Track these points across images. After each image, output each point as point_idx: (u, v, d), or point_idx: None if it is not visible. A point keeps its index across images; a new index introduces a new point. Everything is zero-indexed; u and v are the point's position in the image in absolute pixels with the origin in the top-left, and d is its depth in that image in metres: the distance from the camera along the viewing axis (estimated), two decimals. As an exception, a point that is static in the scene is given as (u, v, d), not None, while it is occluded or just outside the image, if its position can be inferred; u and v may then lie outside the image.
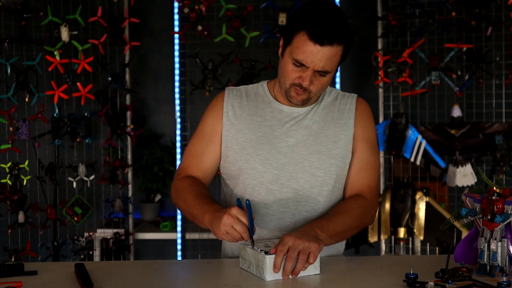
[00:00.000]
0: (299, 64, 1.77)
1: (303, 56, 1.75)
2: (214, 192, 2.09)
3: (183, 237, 3.83)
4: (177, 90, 3.79)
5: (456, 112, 3.61)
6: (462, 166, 3.58)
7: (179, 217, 3.80)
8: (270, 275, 1.58)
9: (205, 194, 1.85)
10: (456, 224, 3.03)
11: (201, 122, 1.97)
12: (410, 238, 3.58)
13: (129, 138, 3.75)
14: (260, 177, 1.87)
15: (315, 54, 1.74)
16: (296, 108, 1.91)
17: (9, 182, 3.42)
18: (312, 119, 1.91)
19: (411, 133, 3.56)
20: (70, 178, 3.67)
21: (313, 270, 1.63)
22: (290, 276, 1.60)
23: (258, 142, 1.89)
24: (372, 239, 3.50)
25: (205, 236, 3.79)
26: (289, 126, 1.90)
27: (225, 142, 1.92)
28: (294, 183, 1.86)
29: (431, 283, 1.44)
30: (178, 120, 3.78)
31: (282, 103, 1.92)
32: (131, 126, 3.73)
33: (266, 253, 1.60)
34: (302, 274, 1.61)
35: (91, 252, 3.70)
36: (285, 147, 1.88)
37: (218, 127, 1.93)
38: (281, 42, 1.83)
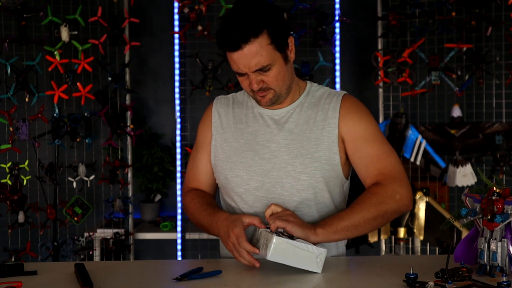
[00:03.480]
0: (241, 74, 1.80)
1: (236, 67, 1.78)
2: (215, 200, 2.10)
3: (183, 237, 3.83)
4: (177, 90, 3.79)
5: (456, 112, 3.61)
6: (462, 166, 3.58)
7: (179, 217, 3.80)
8: (273, 256, 1.61)
9: (207, 204, 1.90)
10: (456, 224, 3.03)
11: (196, 135, 2.03)
12: (410, 238, 3.58)
13: (129, 138, 3.75)
14: (245, 185, 1.88)
15: (242, 59, 1.75)
16: (277, 111, 1.90)
17: (9, 182, 3.42)
18: (295, 121, 1.88)
19: (411, 133, 3.56)
20: (70, 178, 3.67)
21: (315, 267, 1.63)
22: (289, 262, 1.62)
23: (241, 149, 1.90)
24: (372, 239, 3.50)
25: (205, 236, 3.79)
26: (271, 131, 1.88)
27: (213, 152, 1.95)
28: (279, 189, 1.85)
29: (431, 283, 1.44)
30: (178, 120, 3.78)
31: (264, 107, 1.92)
32: (131, 126, 3.73)
33: (278, 234, 1.63)
34: (303, 266, 1.62)
35: (91, 252, 3.70)
36: (267, 153, 1.87)
37: (208, 138, 1.97)
38: None
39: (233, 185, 1.90)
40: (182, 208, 3.81)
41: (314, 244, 1.68)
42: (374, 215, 1.76)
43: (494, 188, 1.60)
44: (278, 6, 1.84)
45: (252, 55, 1.74)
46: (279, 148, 1.86)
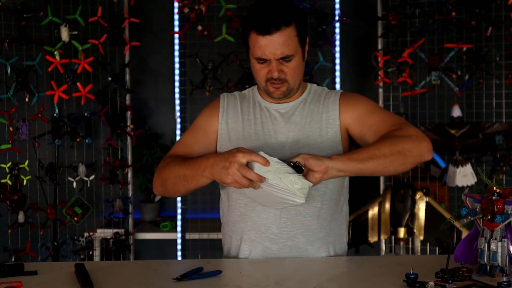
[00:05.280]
0: (262, 60, 1.84)
1: (260, 52, 1.82)
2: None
3: (183, 237, 3.83)
4: (177, 90, 3.79)
5: (456, 112, 3.61)
6: (462, 166, 3.58)
7: (179, 217, 3.80)
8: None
9: (191, 158, 1.86)
10: (456, 224, 3.03)
11: (196, 119, 2.04)
12: (410, 238, 3.58)
13: (129, 138, 3.75)
14: None
15: (269, 45, 1.81)
16: (283, 105, 1.97)
17: (9, 182, 3.42)
18: (300, 115, 1.95)
19: (411, 133, 3.55)
20: (70, 178, 3.67)
21: (299, 197, 1.64)
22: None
23: (250, 139, 1.95)
24: (372, 239, 3.49)
25: (205, 236, 3.79)
26: (278, 123, 1.95)
27: (219, 141, 1.98)
28: None
29: (431, 283, 1.44)
30: (178, 120, 3.78)
31: (269, 101, 1.98)
32: (131, 126, 3.73)
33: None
34: (286, 196, 1.65)
35: (91, 252, 3.70)
36: (275, 143, 1.93)
37: (214, 125, 1.99)
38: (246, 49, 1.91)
39: None
40: (181, 208, 3.81)
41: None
42: (391, 150, 1.73)
43: (494, 188, 1.60)
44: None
45: (280, 42, 1.80)
46: (286, 139, 1.93)
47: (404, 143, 1.75)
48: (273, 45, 1.80)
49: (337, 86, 3.78)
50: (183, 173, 1.82)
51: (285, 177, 1.64)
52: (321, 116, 1.94)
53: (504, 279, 1.45)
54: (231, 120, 1.99)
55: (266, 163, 1.63)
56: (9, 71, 3.43)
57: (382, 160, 1.72)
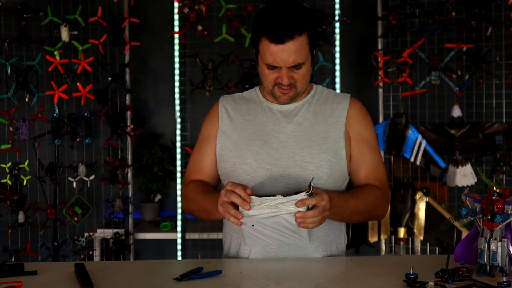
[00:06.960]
0: (272, 67, 1.84)
1: (271, 59, 1.82)
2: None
3: (183, 237, 3.83)
4: (177, 90, 3.79)
5: (456, 112, 3.61)
6: (462, 166, 3.58)
7: (179, 217, 3.80)
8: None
9: (212, 190, 1.95)
10: (456, 224, 3.03)
11: (200, 131, 2.06)
12: (410, 238, 3.58)
13: (129, 138, 3.75)
14: (253, 172, 1.90)
15: (281, 53, 1.80)
16: (287, 106, 1.96)
17: (9, 182, 3.42)
18: (303, 115, 1.94)
19: (411, 133, 3.56)
20: (70, 178, 3.67)
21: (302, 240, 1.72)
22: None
23: (250, 138, 1.94)
24: (372, 239, 3.49)
25: (205, 236, 3.79)
26: (280, 123, 1.94)
27: (219, 142, 1.98)
28: (286, 178, 1.89)
29: (431, 283, 1.44)
30: (178, 120, 3.78)
31: (272, 102, 1.98)
32: (131, 126, 3.73)
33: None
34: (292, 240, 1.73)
35: (91, 252, 3.70)
36: (276, 142, 1.92)
37: (214, 131, 2.00)
38: (254, 51, 1.90)
39: (240, 173, 1.91)
40: (182, 208, 3.81)
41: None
42: (365, 213, 1.92)
43: (494, 188, 1.60)
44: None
45: (292, 51, 1.80)
46: (287, 139, 1.92)
47: (378, 210, 1.95)
48: (285, 53, 1.79)
49: (337, 86, 3.77)
50: (204, 208, 1.91)
51: (273, 203, 1.67)
52: (326, 119, 1.93)
53: (504, 279, 1.45)
54: (231, 121, 1.98)
55: (246, 205, 1.68)
56: (9, 71, 3.43)
57: (359, 217, 1.93)
